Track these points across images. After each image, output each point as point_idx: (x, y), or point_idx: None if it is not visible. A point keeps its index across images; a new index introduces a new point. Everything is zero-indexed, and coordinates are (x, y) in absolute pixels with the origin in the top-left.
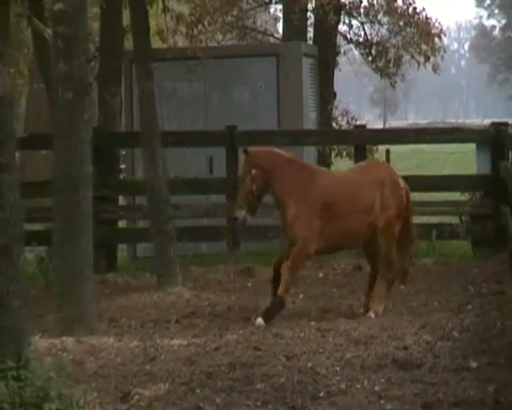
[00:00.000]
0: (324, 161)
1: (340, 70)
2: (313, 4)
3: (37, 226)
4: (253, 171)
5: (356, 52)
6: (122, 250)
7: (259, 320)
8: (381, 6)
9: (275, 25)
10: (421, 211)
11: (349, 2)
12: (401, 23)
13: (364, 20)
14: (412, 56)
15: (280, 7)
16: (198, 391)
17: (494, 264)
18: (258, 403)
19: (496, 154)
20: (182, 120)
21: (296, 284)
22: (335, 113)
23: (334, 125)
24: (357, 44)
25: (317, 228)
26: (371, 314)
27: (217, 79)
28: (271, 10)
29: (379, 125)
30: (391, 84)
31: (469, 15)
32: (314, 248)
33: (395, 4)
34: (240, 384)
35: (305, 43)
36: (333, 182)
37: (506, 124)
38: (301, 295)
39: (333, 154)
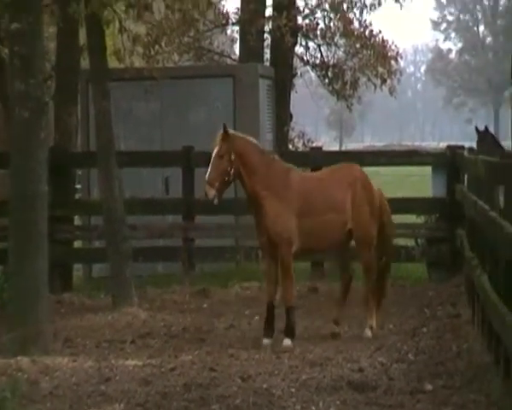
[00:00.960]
0: None
1: (296, 92)
2: (270, 26)
3: None
4: (233, 155)
5: (312, 74)
6: (77, 270)
7: (287, 341)
8: (338, 28)
9: (231, 46)
10: None
11: (306, 25)
12: (358, 45)
13: (321, 42)
14: (369, 79)
15: (237, 28)
16: None
17: (449, 287)
18: None
19: (452, 177)
20: (138, 140)
21: (251, 305)
22: (292, 134)
23: (290, 146)
24: (314, 66)
25: (295, 226)
26: (367, 331)
27: (173, 99)
28: (228, 32)
29: (335, 148)
30: (347, 106)
31: (426, 38)
32: (296, 246)
33: (352, 27)
34: (195, 405)
35: (261, 65)
36: (305, 179)
37: (462, 147)
38: (256, 317)
39: None
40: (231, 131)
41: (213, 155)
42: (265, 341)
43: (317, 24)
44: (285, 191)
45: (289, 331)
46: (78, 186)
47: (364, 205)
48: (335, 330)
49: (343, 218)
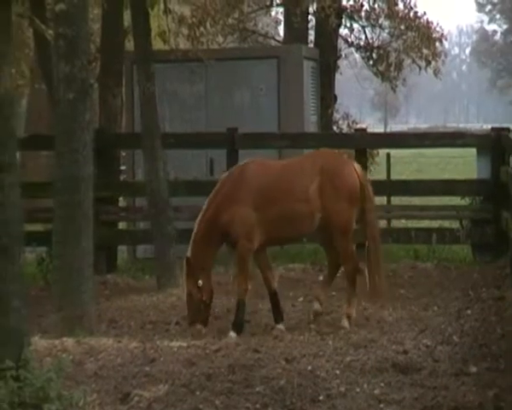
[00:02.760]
0: None
1: (341, 73)
2: (314, 7)
3: (37, 227)
4: (200, 281)
5: (357, 55)
6: (122, 251)
7: (232, 334)
8: (382, 10)
9: (276, 28)
10: (422, 215)
11: (350, 6)
12: (402, 27)
13: (365, 23)
14: (413, 60)
15: (281, 10)
16: (197, 393)
17: (494, 269)
18: (258, 406)
19: (496, 158)
20: (183, 122)
21: (295, 286)
22: (336, 116)
23: (334, 128)
24: (358, 48)
25: (252, 221)
26: (344, 321)
27: (218, 81)
28: (272, 13)
29: (380, 129)
30: (392, 88)
31: (471, 20)
32: (255, 241)
33: (396, 8)
34: (239, 387)
35: (306, 46)
36: (264, 170)
37: (507, 129)
38: (301, 298)
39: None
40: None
41: (185, 296)
42: (279, 326)
43: (362, 5)
44: (239, 191)
45: (236, 324)
46: (123, 168)
47: (336, 192)
48: (317, 309)
49: (308, 207)
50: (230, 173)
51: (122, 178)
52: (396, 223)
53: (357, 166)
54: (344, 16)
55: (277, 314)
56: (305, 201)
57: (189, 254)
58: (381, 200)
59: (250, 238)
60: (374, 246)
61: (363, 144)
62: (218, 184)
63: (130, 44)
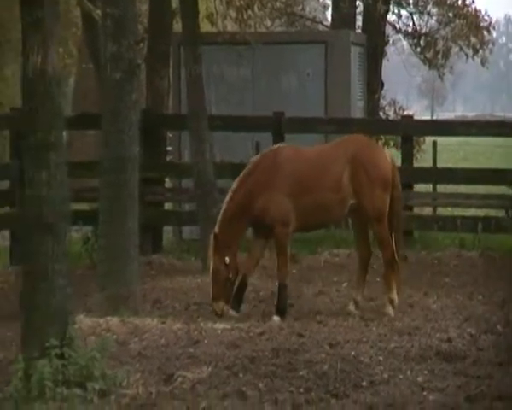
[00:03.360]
0: None
1: (388, 60)
2: None
3: (83, 206)
4: (227, 258)
5: (404, 42)
6: (168, 232)
7: (275, 318)
8: None
9: (323, 12)
10: (468, 204)
11: None
12: (450, 14)
13: (413, 10)
14: (461, 48)
15: None
16: (241, 376)
17: None
18: (301, 390)
19: None
20: (229, 105)
21: (339, 272)
22: (383, 102)
23: (381, 114)
24: (406, 35)
25: (288, 207)
26: (388, 307)
27: (265, 64)
28: None
29: (426, 117)
30: (439, 75)
31: None
32: (292, 227)
33: None
34: (283, 370)
35: (353, 32)
36: (299, 158)
37: None
38: (345, 284)
39: (380, 143)
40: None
41: (210, 271)
42: (231, 312)
43: None
44: (274, 176)
45: (280, 308)
46: (169, 149)
47: (368, 179)
48: (351, 310)
49: (340, 194)
50: (263, 157)
51: (168, 158)
52: (442, 211)
53: (387, 152)
54: (392, 2)
55: (237, 301)
56: (338, 188)
57: (216, 230)
58: (426, 187)
59: (286, 224)
60: (397, 236)
61: (409, 131)
62: (249, 165)
63: (177, 26)
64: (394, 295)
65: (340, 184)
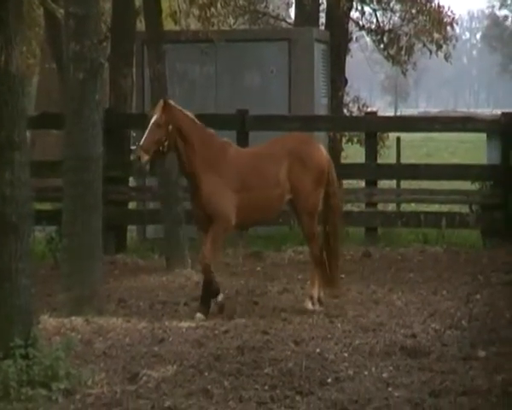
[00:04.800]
0: (335, 147)
1: (351, 57)
2: None
3: (47, 206)
4: (170, 127)
5: (368, 39)
6: (131, 231)
7: (199, 315)
8: None
9: (287, 10)
10: (432, 199)
11: None
12: (413, 11)
13: (377, 7)
14: (424, 45)
15: None
16: (206, 374)
17: (503, 254)
18: (266, 387)
19: (506, 144)
20: (192, 103)
21: (304, 269)
22: (346, 99)
23: (345, 111)
24: (369, 31)
25: (233, 202)
26: (307, 302)
27: (228, 62)
28: None
29: (390, 113)
30: (402, 71)
31: (481, 4)
32: (233, 222)
33: None
34: (248, 368)
35: (317, 29)
36: (242, 155)
37: None
38: (309, 281)
39: (343, 140)
40: (172, 102)
41: (151, 122)
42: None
43: None
44: (221, 167)
45: (203, 303)
46: (133, 148)
47: (302, 174)
48: (308, 307)
49: (278, 191)
50: None
51: (132, 157)
52: (405, 207)
53: (323, 149)
54: None
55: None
56: (276, 184)
57: None
58: (390, 183)
59: (228, 218)
60: (334, 231)
61: (373, 128)
62: None
63: (141, 25)
64: (314, 292)
65: (278, 180)
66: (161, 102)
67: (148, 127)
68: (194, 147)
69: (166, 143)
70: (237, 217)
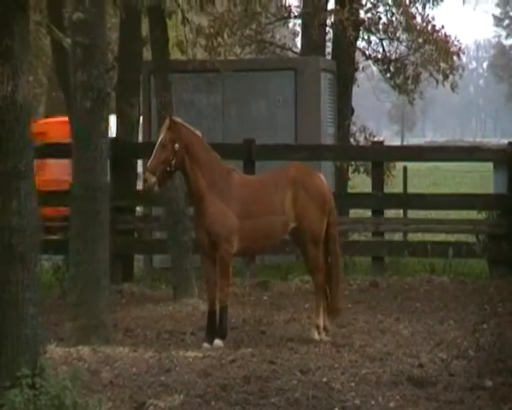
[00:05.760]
0: (342, 176)
1: (358, 86)
2: (332, 20)
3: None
4: (177, 145)
5: (374, 68)
6: (138, 261)
7: (217, 342)
8: (400, 23)
9: (293, 39)
10: (439, 229)
11: (368, 19)
12: (420, 40)
13: (383, 36)
14: (431, 74)
15: (299, 21)
16: (213, 403)
17: (510, 283)
18: None
19: None
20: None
21: (310, 298)
22: (353, 128)
23: (351, 140)
24: (376, 61)
25: (236, 227)
26: (313, 332)
27: (235, 92)
28: (290, 25)
29: (397, 142)
30: (409, 101)
31: (488, 34)
32: (235, 246)
33: (414, 21)
34: (254, 398)
35: (323, 59)
36: (247, 181)
37: None
38: (314, 311)
39: (350, 169)
40: (179, 120)
41: (157, 143)
42: (205, 345)
43: (380, 18)
44: (227, 191)
45: (221, 332)
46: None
47: (307, 203)
48: (314, 337)
49: (283, 219)
50: None
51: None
52: (412, 236)
53: (324, 178)
54: (361, 29)
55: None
56: (281, 212)
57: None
58: (397, 213)
59: (231, 242)
60: (335, 261)
61: (379, 157)
62: None
63: (147, 54)
64: (320, 321)
65: (283, 207)
66: (167, 121)
67: (155, 149)
68: (201, 167)
69: (174, 162)
70: (241, 243)
